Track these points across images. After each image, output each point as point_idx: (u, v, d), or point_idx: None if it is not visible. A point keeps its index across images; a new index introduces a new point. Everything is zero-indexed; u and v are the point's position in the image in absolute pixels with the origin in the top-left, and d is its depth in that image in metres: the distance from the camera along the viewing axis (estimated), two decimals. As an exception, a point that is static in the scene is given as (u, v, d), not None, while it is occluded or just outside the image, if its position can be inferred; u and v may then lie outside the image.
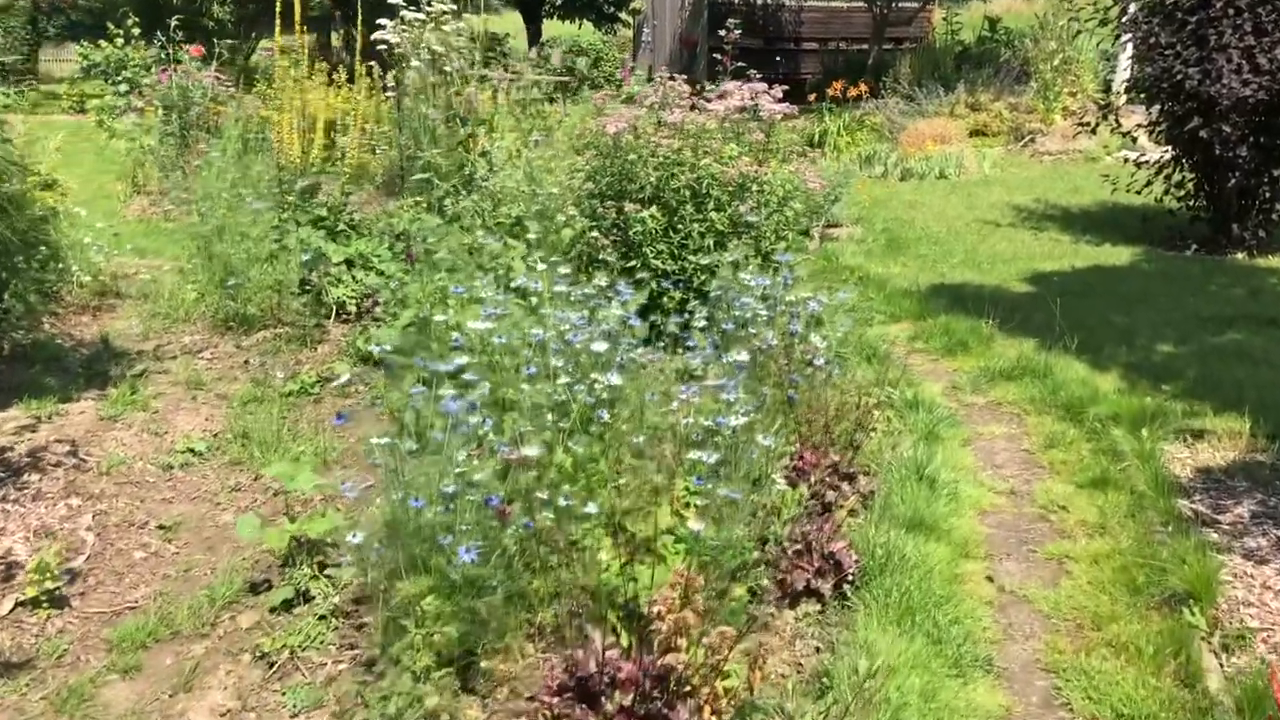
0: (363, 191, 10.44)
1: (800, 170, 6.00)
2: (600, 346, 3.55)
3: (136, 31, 14.35)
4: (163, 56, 12.23)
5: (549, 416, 3.52)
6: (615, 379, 3.49)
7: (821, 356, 4.21)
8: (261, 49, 19.10)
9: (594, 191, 5.70)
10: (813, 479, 4.00)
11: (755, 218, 5.51)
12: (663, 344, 5.08)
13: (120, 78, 13.79)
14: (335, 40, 22.89)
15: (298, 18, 8.14)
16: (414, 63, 7.61)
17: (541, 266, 5.38)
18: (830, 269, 7.77)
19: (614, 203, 5.59)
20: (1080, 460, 4.58)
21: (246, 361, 5.58)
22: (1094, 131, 9.64)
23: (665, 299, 5.44)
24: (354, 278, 6.16)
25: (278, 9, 8.49)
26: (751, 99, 5.95)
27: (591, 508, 2.94)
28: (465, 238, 5.93)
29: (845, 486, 4.06)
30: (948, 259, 8.16)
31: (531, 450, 2.97)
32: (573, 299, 4.23)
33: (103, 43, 15.34)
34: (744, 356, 3.86)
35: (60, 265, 6.26)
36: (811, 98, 14.02)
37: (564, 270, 4.29)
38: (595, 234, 5.54)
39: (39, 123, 15.40)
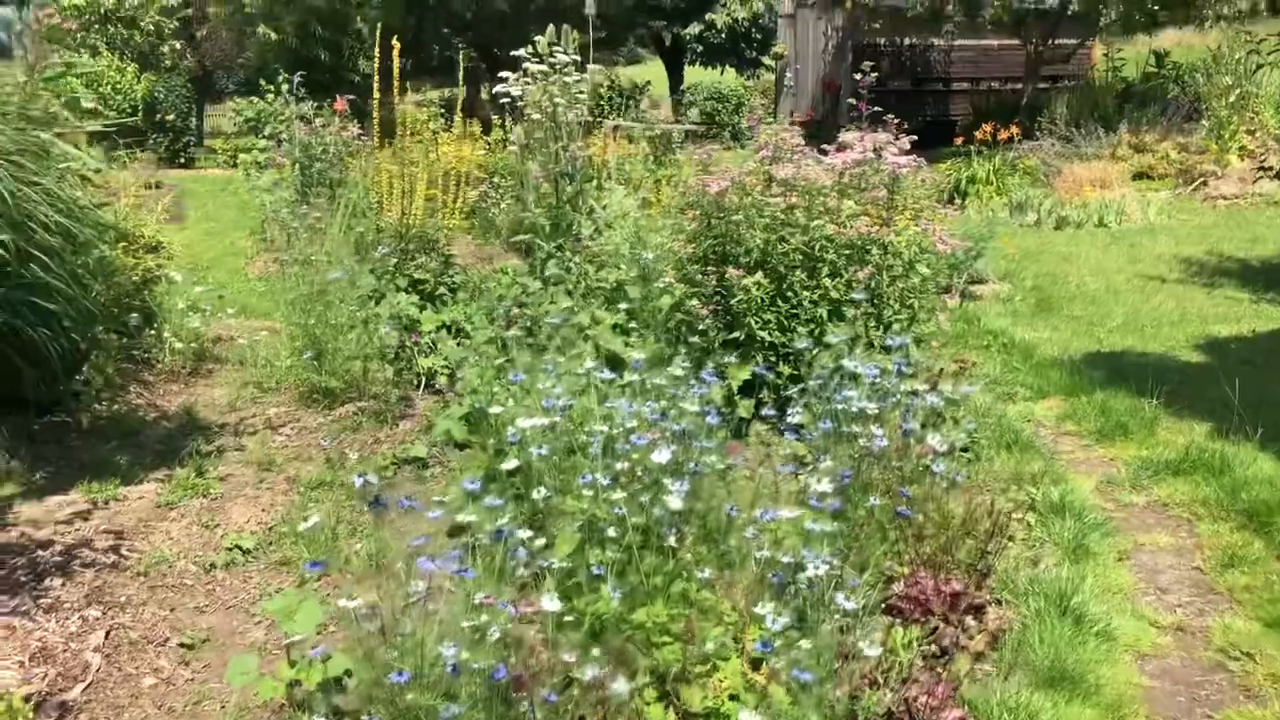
0: (489, 247, 10.18)
1: (931, 230, 5.28)
2: (662, 456, 2.94)
3: (286, 87, 14.56)
4: (307, 112, 12.28)
5: (603, 543, 2.95)
6: (676, 501, 2.87)
7: (941, 461, 3.49)
8: (412, 102, 19.36)
9: (694, 255, 5.13)
10: (932, 609, 3.30)
11: (875, 284, 4.84)
12: (764, 427, 4.49)
13: (267, 132, 14.00)
14: (484, 94, 23.10)
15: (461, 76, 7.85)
16: (533, 115, 7.23)
17: (628, 341, 4.85)
18: (970, 332, 6.97)
19: (715, 268, 5.01)
20: (1269, 587, 3.70)
21: (327, 439, 5.20)
22: (1278, 175, 8.52)
23: (773, 374, 4.82)
24: (451, 346, 5.73)
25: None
26: (875, 150, 5.27)
27: (620, 686, 2.31)
28: (564, 303, 5.46)
29: (970, 622, 3.32)
30: (1105, 321, 7.24)
31: (550, 603, 2.37)
32: (647, 386, 3.64)
33: (254, 98, 15.68)
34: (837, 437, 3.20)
35: (153, 332, 6.05)
36: (959, 140, 13.15)
37: (638, 354, 3.69)
38: (694, 302, 4.97)
39: (191, 177, 15.88)
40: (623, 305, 5.09)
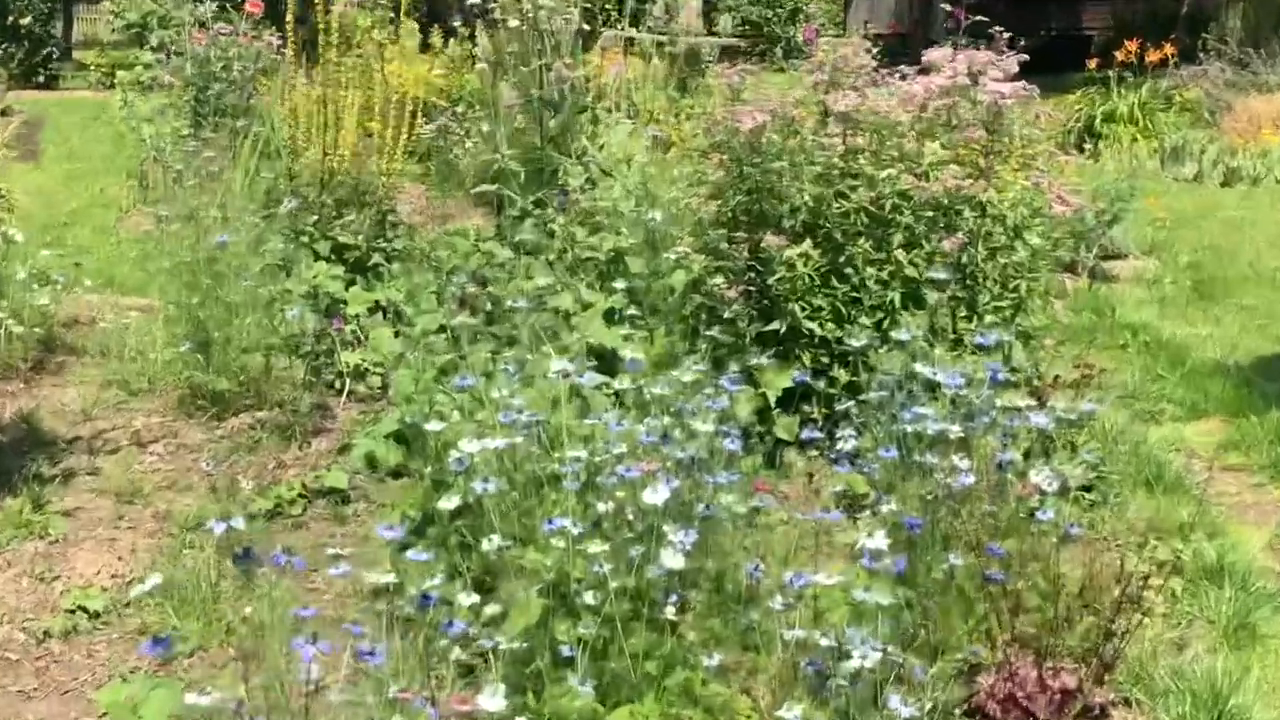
0: (449, 200, 10.16)
1: (1048, 185, 5.20)
2: (658, 496, 2.87)
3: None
4: (206, 15, 12.24)
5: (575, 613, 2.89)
6: (677, 557, 2.80)
7: (1051, 506, 3.41)
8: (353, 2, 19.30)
9: (719, 216, 5.08)
10: (1034, 711, 3.22)
11: (967, 259, 4.78)
12: (809, 453, 4.44)
13: (154, 42, 14.00)
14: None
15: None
16: (509, 20, 7.17)
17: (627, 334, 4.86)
18: (1100, 326, 6.91)
19: (748, 234, 4.96)
20: None
21: (213, 459, 5.16)
22: None
23: (823, 382, 4.77)
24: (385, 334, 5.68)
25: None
26: (971, 74, 5.19)
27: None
28: (541, 278, 5.44)
29: (1085, 731, 3.24)
30: (1288, 314, 7.19)
31: (492, 700, 2.30)
32: (647, 396, 3.59)
33: (138, -6, 15.69)
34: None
35: None
36: (1093, 64, 13.07)
37: (633, 353, 3.65)
38: (718, 280, 4.93)
39: (54, 101, 15.93)
40: (620, 284, 5.02)
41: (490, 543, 3.09)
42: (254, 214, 6.17)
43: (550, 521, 3.01)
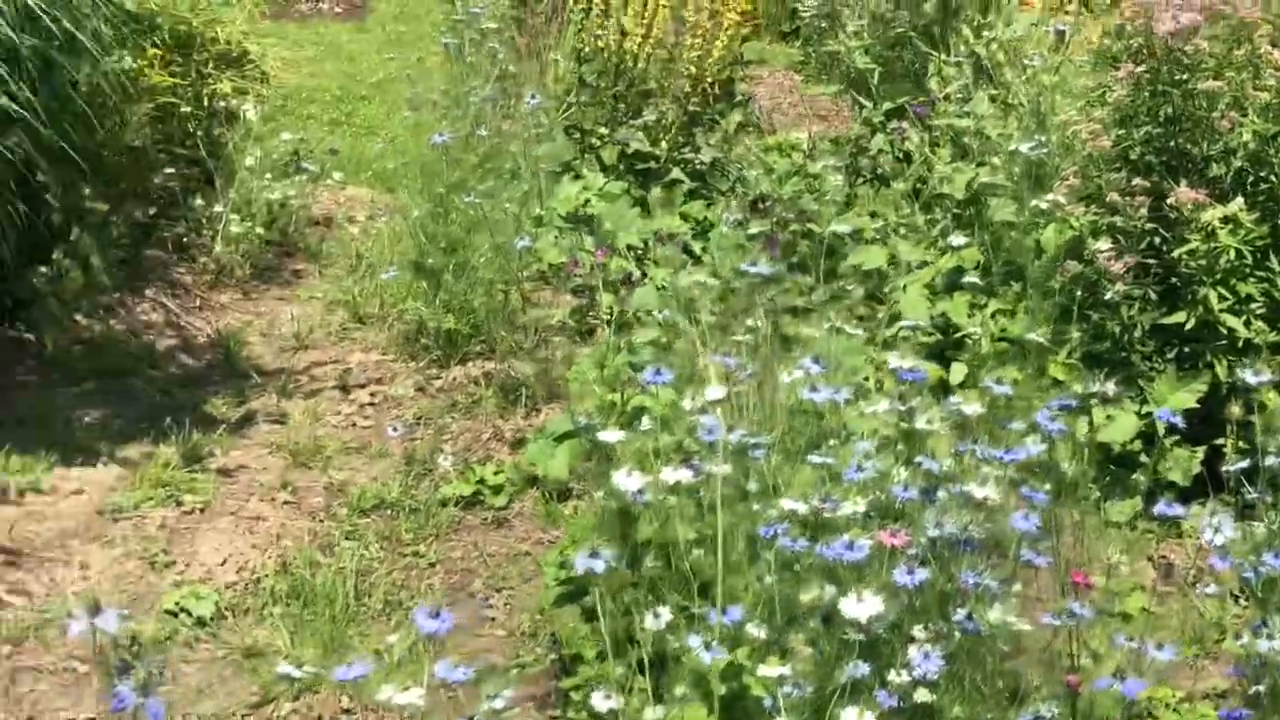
0: (828, 94, 9.49)
1: None
2: (862, 609, 2.12)
3: None
4: None
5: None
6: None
7: None
8: None
9: (1114, 152, 4.30)
10: None
11: None
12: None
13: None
14: None
15: None
16: None
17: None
18: None
19: (1149, 183, 4.16)
20: None
21: (419, 420, 4.89)
22: None
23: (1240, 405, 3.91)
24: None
25: None
26: None
27: None
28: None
29: None
30: None
31: None
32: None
33: None
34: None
35: (202, 203, 5.87)
36: None
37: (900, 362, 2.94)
38: (1102, 243, 4.16)
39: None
40: (958, 239, 4.28)
41: (654, 619, 2.57)
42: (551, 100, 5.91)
43: (725, 611, 2.55)
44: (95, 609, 1.88)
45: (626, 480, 2.64)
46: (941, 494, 2.61)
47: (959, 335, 4.38)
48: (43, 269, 5.03)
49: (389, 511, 4.28)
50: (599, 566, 2.45)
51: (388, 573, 3.93)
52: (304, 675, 3.08)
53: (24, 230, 4.88)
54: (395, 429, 4.76)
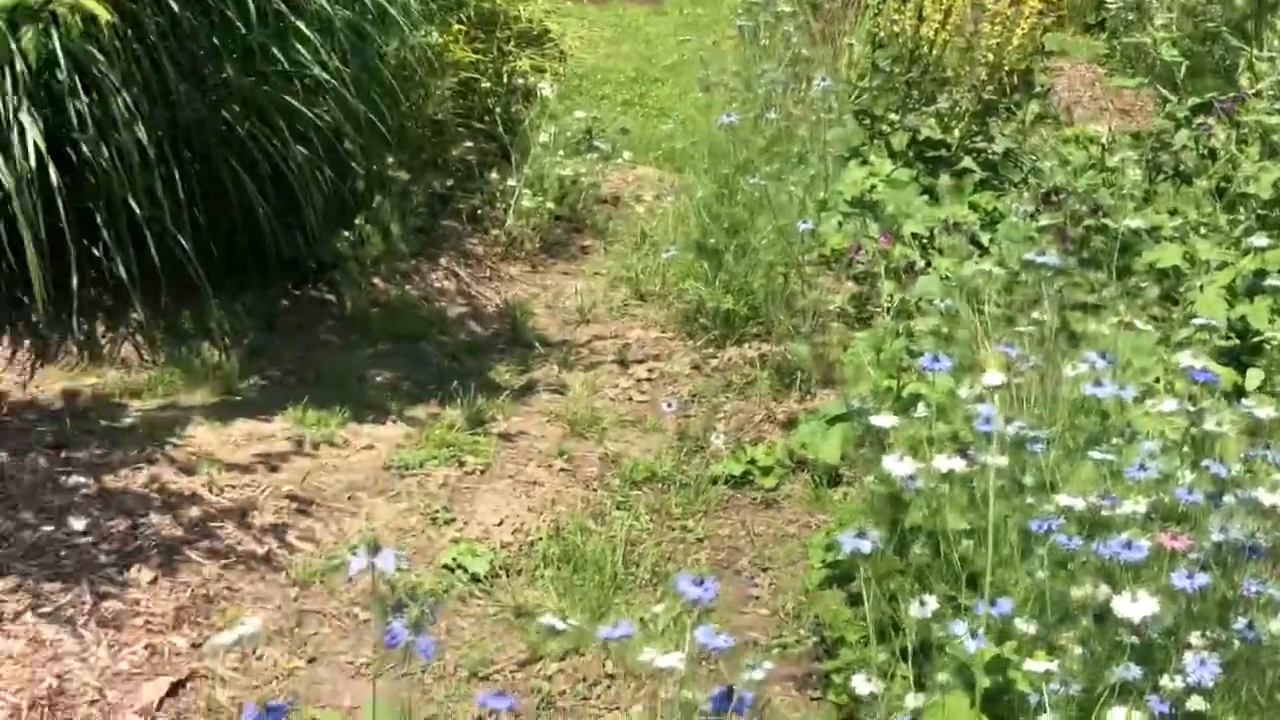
0: (1127, 93, 9.27)
1: None
2: (1136, 609, 2.05)
3: None
4: None
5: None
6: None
7: None
8: None
9: None
10: None
11: None
12: None
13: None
14: None
15: None
16: None
17: None
18: None
19: None
20: None
21: (693, 397, 4.92)
22: None
23: None
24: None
25: None
26: None
27: None
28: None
29: None
30: None
31: None
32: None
33: None
34: None
35: (496, 177, 5.98)
36: None
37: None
38: None
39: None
40: (1262, 240, 4.12)
41: (920, 607, 2.52)
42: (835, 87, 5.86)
43: (993, 604, 2.45)
44: (375, 548, 1.95)
45: (898, 465, 2.62)
46: (1228, 498, 2.52)
47: (1257, 340, 4.16)
48: (346, 234, 5.16)
49: (660, 485, 4.32)
50: (865, 547, 2.41)
51: (656, 544, 3.96)
52: (568, 629, 3.15)
53: (330, 197, 5.08)
54: (670, 405, 4.78)
